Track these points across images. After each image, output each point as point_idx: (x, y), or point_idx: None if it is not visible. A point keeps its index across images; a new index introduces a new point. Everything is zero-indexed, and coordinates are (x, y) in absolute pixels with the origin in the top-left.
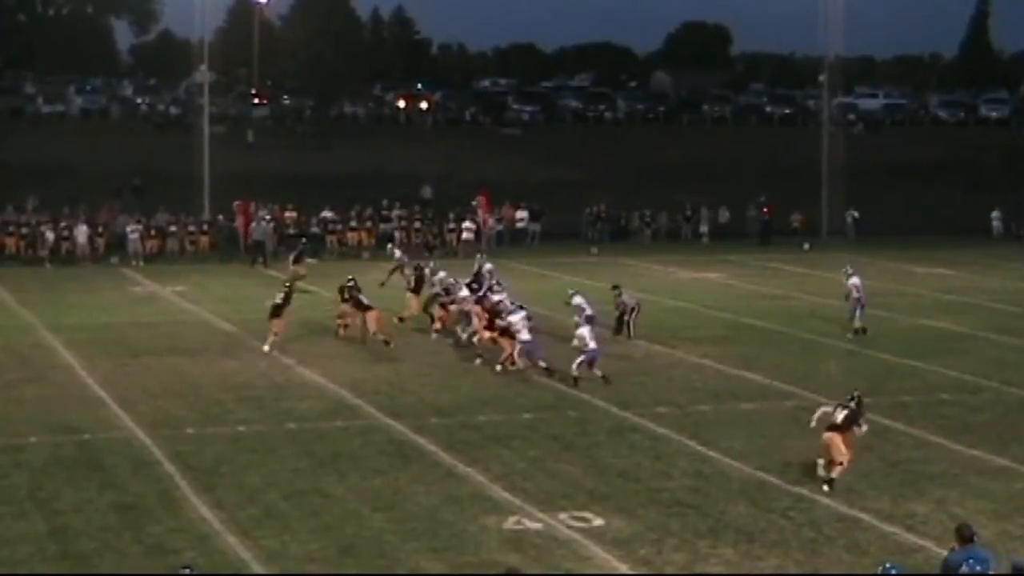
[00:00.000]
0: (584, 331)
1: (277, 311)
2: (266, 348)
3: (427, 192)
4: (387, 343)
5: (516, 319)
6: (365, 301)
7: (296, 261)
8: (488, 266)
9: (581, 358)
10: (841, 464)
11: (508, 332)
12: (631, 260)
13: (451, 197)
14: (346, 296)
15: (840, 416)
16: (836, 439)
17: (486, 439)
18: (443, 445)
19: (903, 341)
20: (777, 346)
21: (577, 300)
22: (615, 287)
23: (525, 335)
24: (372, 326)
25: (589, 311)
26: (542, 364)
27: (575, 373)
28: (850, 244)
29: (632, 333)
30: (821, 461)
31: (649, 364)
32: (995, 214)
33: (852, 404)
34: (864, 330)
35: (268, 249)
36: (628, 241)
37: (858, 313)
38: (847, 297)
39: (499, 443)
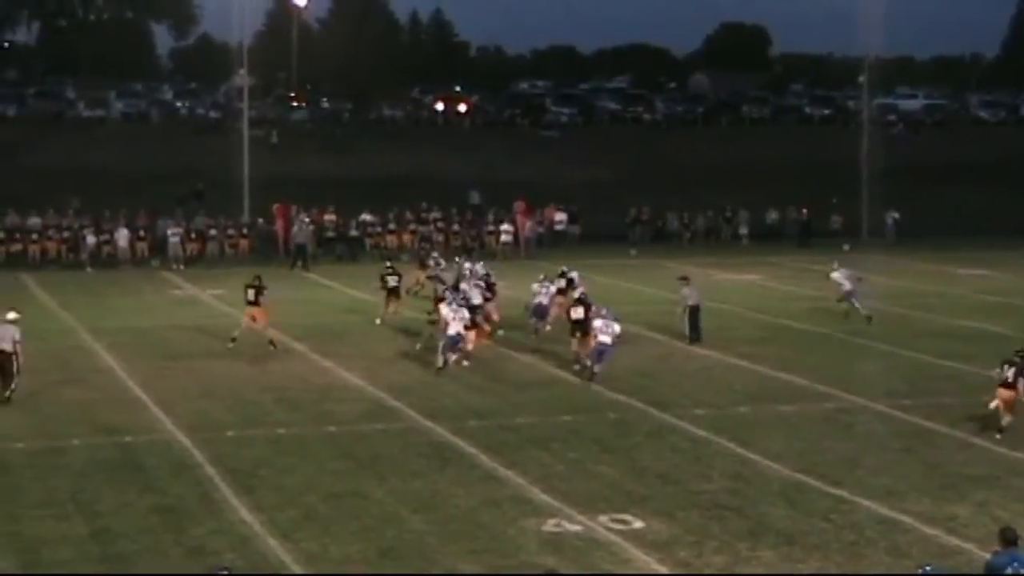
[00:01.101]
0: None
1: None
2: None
3: (475, 197)
4: (272, 344)
5: (445, 310)
6: (252, 298)
7: (422, 267)
8: (468, 266)
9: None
10: (1010, 416)
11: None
12: (670, 262)
13: (489, 199)
14: (251, 298)
15: (1010, 373)
16: (1008, 394)
17: (524, 441)
18: (482, 447)
19: (943, 342)
20: (816, 348)
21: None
22: (683, 278)
23: (453, 329)
24: (261, 321)
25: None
26: (451, 361)
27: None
28: (890, 245)
29: (691, 333)
30: (998, 408)
31: (687, 365)
32: None
33: (1019, 360)
34: (870, 318)
35: (308, 252)
36: (667, 243)
37: (856, 304)
38: (839, 300)
39: (538, 445)
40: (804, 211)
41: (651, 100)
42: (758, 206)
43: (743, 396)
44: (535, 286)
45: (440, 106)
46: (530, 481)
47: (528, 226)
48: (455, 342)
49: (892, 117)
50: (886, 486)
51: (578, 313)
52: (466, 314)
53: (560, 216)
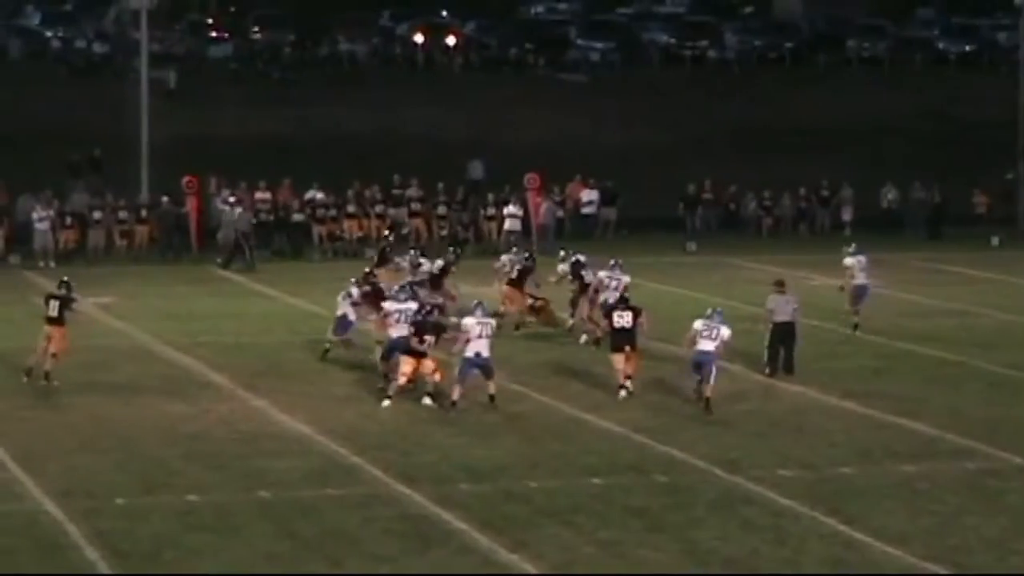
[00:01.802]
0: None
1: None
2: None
3: (477, 170)
4: (47, 378)
5: (389, 306)
6: (54, 315)
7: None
8: (426, 266)
9: None
10: None
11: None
12: (743, 260)
13: (493, 172)
14: (52, 313)
15: None
16: None
17: (539, 514)
18: (478, 522)
19: None
20: (952, 384)
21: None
22: (778, 283)
23: (396, 331)
24: (56, 346)
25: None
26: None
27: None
28: None
29: (773, 362)
30: None
31: (770, 408)
32: None
33: None
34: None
35: (251, 243)
36: (740, 233)
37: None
38: (842, 288)
39: (557, 519)
40: (936, 189)
41: (719, 31)
42: (869, 182)
43: (848, 451)
44: (603, 275)
45: (419, 39)
46: (546, 569)
47: (544, 209)
48: (395, 347)
49: None
50: None
51: (624, 320)
52: (411, 310)
53: (589, 195)
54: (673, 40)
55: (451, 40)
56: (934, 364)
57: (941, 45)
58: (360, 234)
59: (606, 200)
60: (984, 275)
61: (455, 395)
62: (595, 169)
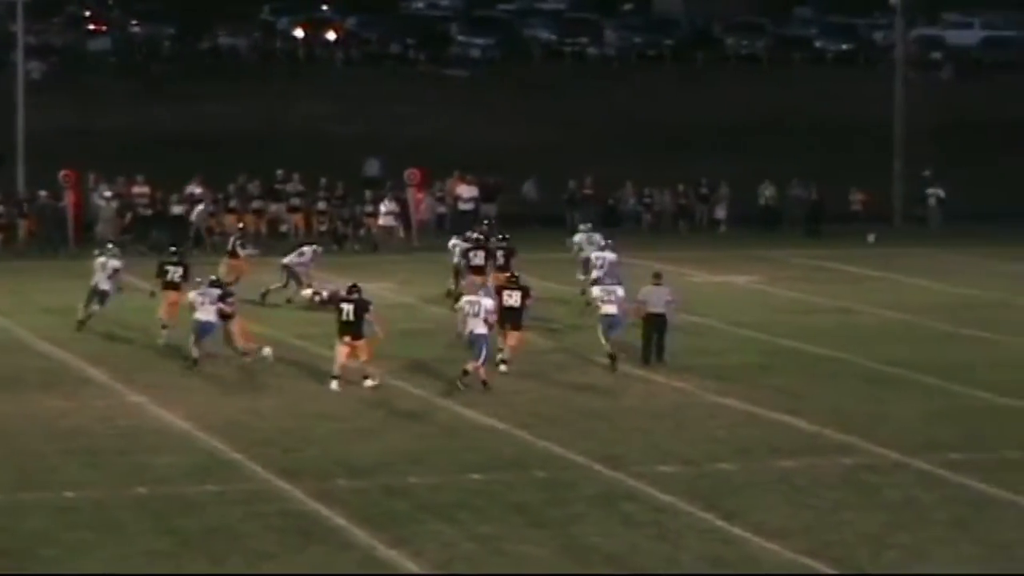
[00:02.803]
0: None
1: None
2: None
3: (373, 168)
4: None
5: (192, 295)
6: None
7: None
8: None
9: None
10: None
11: None
12: (622, 256)
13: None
14: None
15: None
16: None
17: (419, 509)
18: (358, 518)
19: (1010, 373)
20: (832, 380)
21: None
22: (656, 275)
23: (203, 315)
24: None
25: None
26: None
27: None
28: (933, 234)
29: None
30: None
31: (651, 404)
32: None
33: None
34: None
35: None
36: (621, 229)
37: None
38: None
39: (438, 515)
40: (813, 187)
41: (600, 27)
42: (748, 179)
43: (729, 448)
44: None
45: (300, 33)
46: (426, 566)
47: (425, 205)
48: (206, 331)
49: (937, 55)
50: (930, 575)
51: (513, 299)
52: (215, 293)
53: (467, 191)
54: (554, 37)
55: (332, 35)
56: (814, 360)
57: (819, 44)
58: (241, 228)
59: (487, 196)
60: (862, 272)
61: (469, 367)
62: (477, 165)
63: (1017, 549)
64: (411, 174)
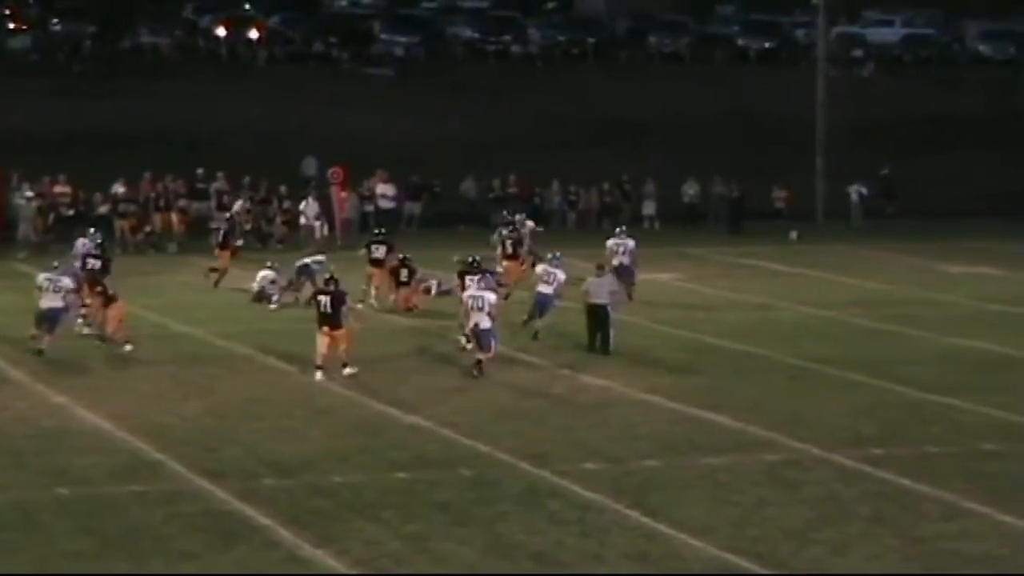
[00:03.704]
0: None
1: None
2: None
3: (310, 167)
4: None
5: (41, 277)
6: None
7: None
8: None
9: None
10: None
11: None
12: (548, 253)
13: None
14: None
15: None
16: None
17: (345, 508)
18: (283, 518)
19: (930, 368)
20: (754, 377)
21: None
22: (599, 266)
23: (47, 302)
24: None
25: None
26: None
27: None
28: (855, 231)
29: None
30: None
31: (576, 401)
32: None
33: None
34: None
35: (29, 237)
36: (546, 227)
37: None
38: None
39: (363, 514)
40: (734, 184)
41: (523, 26)
42: (672, 177)
43: (653, 445)
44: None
45: (222, 31)
46: (351, 565)
47: (349, 204)
48: (51, 318)
49: (859, 53)
50: (851, 568)
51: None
52: (66, 283)
53: (388, 189)
54: (477, 35)
55: (254, 33)
56: (738, 357)
57: (741, 42)
58: (163, 227)
59: (412, 195)
60: (785, 269)
61: (480, 357)
62: (402, 164)
63: (938, 543)
64: (334, 172)
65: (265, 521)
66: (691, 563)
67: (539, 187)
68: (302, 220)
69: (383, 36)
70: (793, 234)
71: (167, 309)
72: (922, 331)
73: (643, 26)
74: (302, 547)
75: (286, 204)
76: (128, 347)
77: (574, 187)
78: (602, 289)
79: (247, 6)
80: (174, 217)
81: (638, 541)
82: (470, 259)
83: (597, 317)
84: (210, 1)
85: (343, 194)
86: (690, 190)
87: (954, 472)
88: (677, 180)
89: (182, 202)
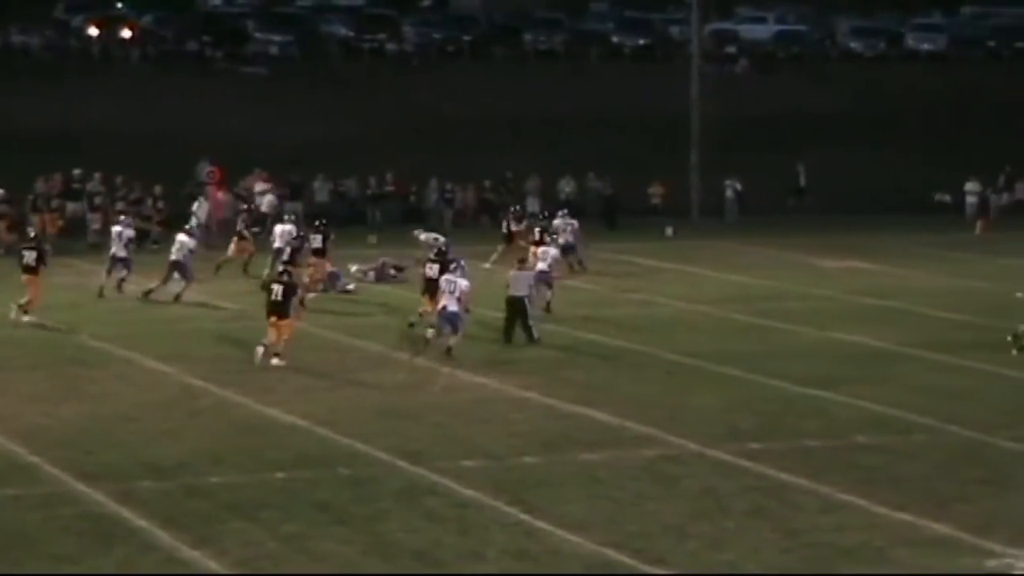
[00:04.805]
0: None
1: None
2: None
3: (205, 171)
4: None
5: None
6: None
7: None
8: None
9: None
10: None
11: None
12: (424, 252)
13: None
14: None
15: None
16: None
17: (222, 509)
18: (160, 519)
19: (806, 363)
20: (632, 372)
21: None
22: (521, 260)
23: None
24: None
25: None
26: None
27: None
28: (730, 227)
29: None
30: None
31: (453, 399)
32: (970, 186)
33: None
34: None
35: None
36: (423, 224)
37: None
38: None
39: (240, 514)
40: (607, 180)
41: (397, 24)
42: (548, 173)
43: (531, 441)
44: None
45: (94, 31)
46: (230, 565)
47: (225, 204)
48: None
49: (732, 49)
50: (729, 563)
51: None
52: None
53: (261, 188)
54: (352, 33)
55: (127, 33)
56: (615, 353)
57: (615, 39)
58: (41, 228)
59: (294, 193)
60: (660, 264)
61: (451, 342)
62: (279, 163)
63: (814, 534)
64: (210, 172)
65: (143, 523)
66: (570, 559)
67: (416, 185)
68: (193, 221)
69: (257, 35)
70: (669, 230)
71: (44, 310)
72: (797, 325)
73: (518, 23)
74: (180, 548)
75: (160, 204)
76: None
77: (451, 185)
78: (522, 283)
79: (119, 5)
80: (49, 217)
81: (517, 538)
82: (441, 247)
83: (516, 309)
84: (82, 0)
85: (219, 194)
86: (567, 187)
87: (830, 465)
88: (553, 177)
89: (56, 202)
